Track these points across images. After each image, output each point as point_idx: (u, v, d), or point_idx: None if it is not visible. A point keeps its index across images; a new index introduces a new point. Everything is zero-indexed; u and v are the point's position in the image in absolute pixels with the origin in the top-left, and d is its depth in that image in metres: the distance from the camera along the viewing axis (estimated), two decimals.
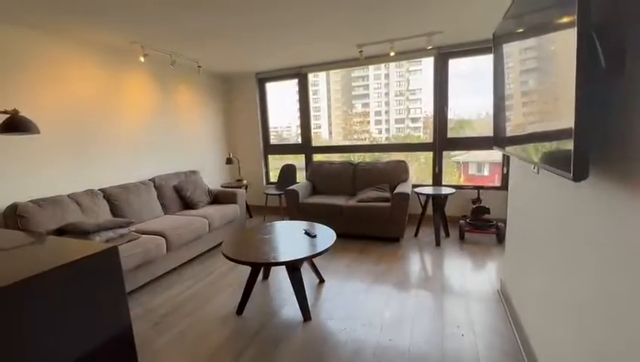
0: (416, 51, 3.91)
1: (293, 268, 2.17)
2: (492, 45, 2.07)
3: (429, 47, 3.45)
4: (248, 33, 3.05)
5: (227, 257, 2.10)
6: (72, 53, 2.93)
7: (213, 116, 4.83)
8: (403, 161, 4.05)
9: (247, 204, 4.91)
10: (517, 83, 1.66)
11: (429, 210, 3.91)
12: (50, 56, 2.76)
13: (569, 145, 0.87)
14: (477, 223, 3.49)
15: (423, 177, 5.16)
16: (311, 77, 4.84)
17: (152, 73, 3.73)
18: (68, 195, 2.77)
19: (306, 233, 2.50)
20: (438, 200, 3.48)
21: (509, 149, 1.74)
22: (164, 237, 2.83)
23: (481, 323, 2.07)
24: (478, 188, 3.77)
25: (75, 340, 0.67)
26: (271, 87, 5.08)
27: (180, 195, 3.75)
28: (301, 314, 2.18)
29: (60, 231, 2.49)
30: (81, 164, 3.04)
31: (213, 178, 4.79)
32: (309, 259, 2.08)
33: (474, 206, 3.60)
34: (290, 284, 2.22)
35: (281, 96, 5.04)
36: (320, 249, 2.16)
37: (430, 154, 4.22)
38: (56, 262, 0.63)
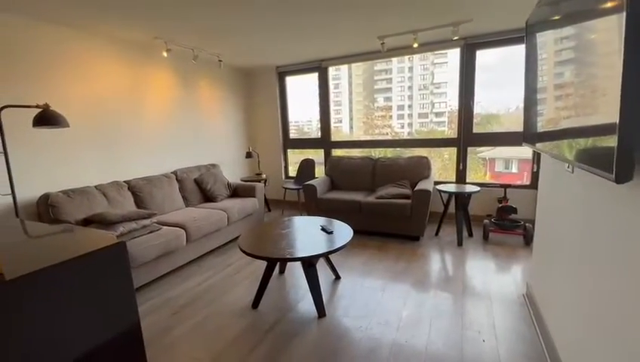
0: (441, 42, 3.75)
1: (309, 264, 2.16)
2: (524, 35, 1.92)
3: (455, 38, 3.29)
4: (269, 26, 3.03)
5: (243, 251, 2.11)
6: (100, 49, 3.03)
7: (234, 110, 4.88)
8: (425, 157, 3.92)
9: (265, 198, 4.95)
10: (551, 75, 1.54)
11: (452, 208, 3.78)
12: (79, 53, 2.86)
13: (610, 142, 0.78)
14: (503, 223, 3.33)
15: (446, 174, 4.99)
16: (332, 70, 4.78)
17: (174, 68, 3.81)
18: (95, 186, 2.88)
19: (323, 229, 2.47)
20: (462, 199, 3.34)
21: (540, 146, 1.62)
22: (184, 228, 2.89)
23: (504, 327, 1.97)
24: (505, 186, 3.59)
25: (79, 336, 0.67)
26: (291, 81, 5.06)
27: (200, 188, 3.83)
28: (316, 311, 2.17)
29: (87, 221, 2.60)
30: (108, 157, 3.15)
31: (232, 171, 4.86)
32: (325, 255, 2.06)
33: (500, 205, 3.44)
34: (306, 280, 2.21)
35: (303, 90, 5.01)
36: (336, 246, 2.13)
37: (454, 150, 4.05)
38: (60, 258, 0.63)
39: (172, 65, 3.77)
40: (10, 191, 2.32)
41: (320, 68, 4.63)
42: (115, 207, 2.89)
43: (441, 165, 5.06)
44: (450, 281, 2.58)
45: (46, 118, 2.39)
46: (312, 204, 3.87)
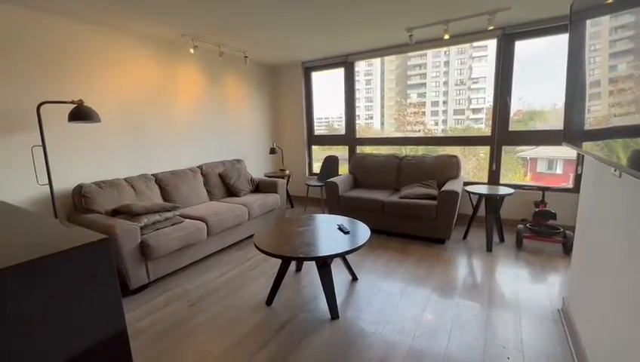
0: (474, 33, 3.50)
1: (322, 264, 2.10)
2: (569, 22, 1.71)
3: (491, 28, 3.04)
4: (294, 20, 2.98)
5: (258, 248, 2.10)
6: (131, 47, 3.15)
7: (259, 106, 4.92)
8: (455, 156, 3.70)
9: (288, 194, 4.96)
10: (603, 67, 1.34)
11: (482, 211, 3.55)
12: (111, 51, 3.00)
13: None
14: (539, 229, 3.06)
15: (481, 174, 4.71)
16: (364, 66, 4.63)
17: (201, 64, 3.89)
18: (125, 179, 3.02)
19: (340, 228, 2.40)
20: (493, 201, 3.11)
21: (585, 146, 1.43)
22: (205, 222, 2.95)
23: (533, 345, 1.79)
24: (543, 189, 3.30)
25: (52, 347, 0.62)
26: (317, 77, 4.99)
27: (224, 182, 3.90)
28: (329, 312, 2.11)
29: (116, 212, 2.73)
30: (137, 150, 3.29)
31: (256, 167, 4.91)
32: (339, 256, 1.99)
33: (537, 209, 3.16)
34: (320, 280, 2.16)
35: (332, 87, 4.91)
36: (351, 246, 2.05)
37: (488, 148, 3.78)
38: (27, 256, 0.60)
39: (199, 62, 3.86)
40: (47, 182, 2.48)
41: (346, 63, 4.52)
42: (142, 199, 3.01)
43: (476, 164, 4.77)
44: (475, 289, 2.41)
45: (80, 114, 2.52)
46: (333, 202, 3.80)
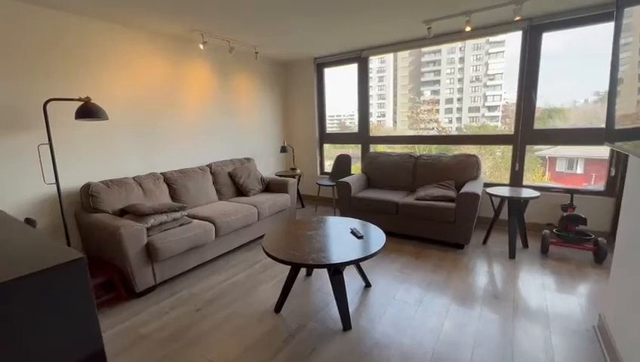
0: (498, 25, 3.29)
1: (335, 271, 1.97)
2: (615, 9, 1.52)
3: (517, 19, 2.83)
4: (306, 13, 2.85)
5: (266, 253, 1.99)
6: (139, 43, 3.08)
7: (270, 103, 4.81)
8: (474, 156, 3.50)
9: (299, 193, 4.85)
10: None
11: (504, 214, 3.35)
12: (119, 47, 2.93)
13: None
14: (567, 235, 2.85)
15: (498, 174, 4.49)
16: (377, 63, 4.49)
17: (210, 61, 3.80)
18: (133, 178, 2.96)
19: (353, 232, 2.26)
20: (516, 204, 2.91)
21: (632, 146, 1.25)
22: (213, 223, 2.87)
23: None
24: (572, 191, 3.07)
25: None
26: (330, 73, 4.85)
27: (234, 182, 3.81)
28: (341, 322, 1.98)
29: (123, 212, 2.67)
30: (146, 148, 3.23)
31: (267, 166, 4.81)
32: (351, 264, 1.86)
33: (564, 213, 2.94)
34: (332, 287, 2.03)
35: (345, 83, 4.76)
36: (365, 253, 1.92)
37: (509, 147, 3.57)
38: None
39: (209, 59, 3.77)
40: (54, 181, 2.43)
41: (360, 58, 4.36)
42: (151, 198, 2.95)
43: (493, 164, 4.55)
44: (499, 300, 2.24)
45: (87, 111, 2.46)
46: (345, 202, 3.67)
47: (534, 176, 4.26)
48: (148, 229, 2.47)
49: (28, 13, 2.38)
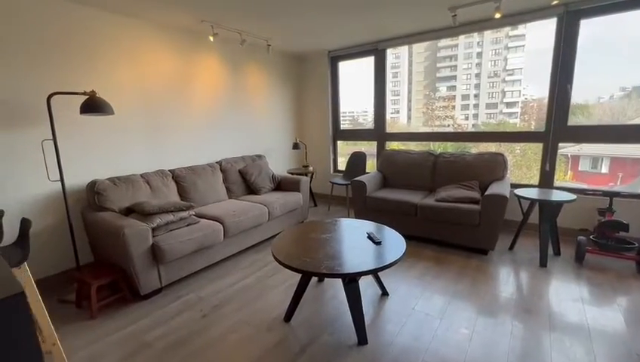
0: (531, 12, 3.01)
1: (350, 279, 1.80)
2: None
3: (555, 2, 2.56)
4: (320, 2, 2.66)
5: (276, 259, 1.84)
6: (147, 36, 2.97)
7: (282, 98, 4.65)
8: (500, 154, 3.25)
9: (312, 192, 4.69)
10: None
11: (532, 218, 3.10)
12: (126, 39, 2.83)
13: None
14: (606, 243, 2.58)
15: (519, 173, 4.23)
16: (391, 58, 4.28)
17: (221, 54, 3.67)
18: (141, 175, 2.86)
19: (369, 237, 2.08)
20: (549, 208, 2.66)
21: None
22: (221, 223, 2.74)
23: None
24: (611, 194, 2.79)
25: None
26: (345, 67, 4.65)
27: (244, 179, 3.68)
28: (355, 335, 1.82)
29: (129, 210, 2.57)
30: (154, 145, 3.13)
31: (279, 163, 4.67)
32: (368, 274, 1.68)
33: (603, 219, 2.67)
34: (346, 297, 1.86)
35: (358, 79, 4.56)
36: (383, 262, 1.74)
37: (533, 145, 3.30)
38: None
39: (219, 52, 3.64)
40: (59, 178, 2.35)
41: (377, 50, 4.15)
42: (158, 196, 2.85)
43: (513, 162, 4.29)
44: (531, 314, 2.02)
45: (92, 106, 2.36)
46: (360, 202, 3.48)
47: (557, 175, 3.98)
48: (154, 229, 2.36)
49: (31, 5, 2.28)
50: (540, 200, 2.62)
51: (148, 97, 3.03)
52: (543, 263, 2.64)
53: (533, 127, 3.24)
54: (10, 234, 2.10)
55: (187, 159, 3.43)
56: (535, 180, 3.37)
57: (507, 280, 2.44)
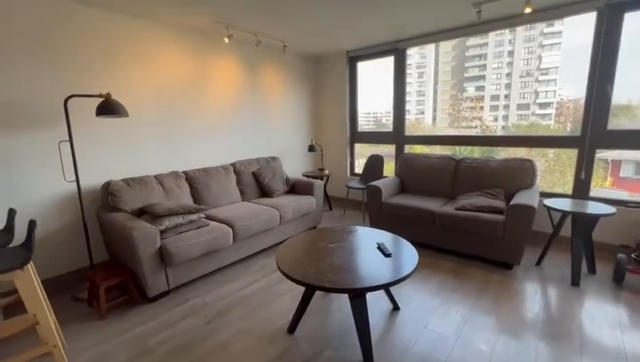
0: (566, 6, 2.76)
1: (355, 294, 1.69)
2: None
3: None
4: (338, 1, 2.57)
5: (280, 269, 1.76)
6: (161, 37, 3.00)
7: (298, 99, 4.59)
8: (529, 160, 3.01)
9: (327, 195, 4.61)
10: None
11: (564, 230, 2.85)
12: (141, 42, 2.86)
13: None
14: None
15: (551, 179, 3.92)
16: (417, 58, 4.13)
17: (236, 56, 3.66)
18: (154, 176, 2.89)
19: (379, 248, 1.96)
20: (583, 221, 2.41)
21: None
22: (231, 226, 2.71)
23: None
24: None
25: None
26: (364, 68, 4.52)
27: (258, 182, 3.65)
28: (361, 353, 1.70)
29: (142, 211, 2.59)
30: (169, 146, 3.16)
31: (294, 165, 4.61)
32: (374, 290, 1.57)
33: None
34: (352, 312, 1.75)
35: (381, 79, 4.41)
36: (391, 278, 1.61)
37: (569, 150, 3.03)
38: None
39: (234, 53, 3.63)
40: (74, 178, 2.40)
41: (397, 50, 3.99)
42: (171, 197, 2.86)
43: (545, 167, 3.98)
44: (560, 339, 1.82)
45: (107, 108, 2.39)
46: (375, 208, 3.35)
47: (595, 182, 3.64)
48: (162, 231, 2.36)
49: (49, 8, 2.35)
50: (572, 212, 2.38)
51: (162, 98, 3.06)
52: (575, 282, 2.39)
53: (568, 129, 2.98)
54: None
55: (201, 161, 3.44)
56: (569, 187, 3.09)
57: (533, 299, 2.23)
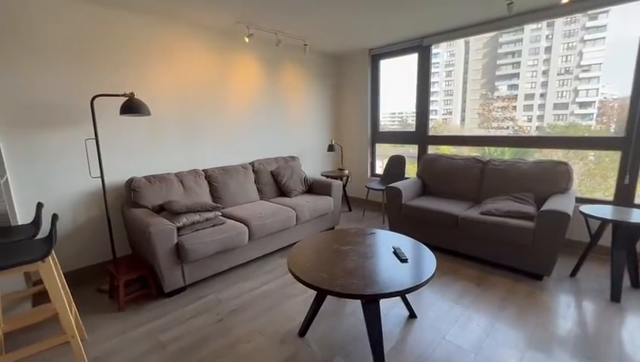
0: None
1: (369, 300, 1.62)
2: None
3: None
4: None
5: (291, 271, 1.72)
6: (183, 37, 3.05)
7: (319, 99, 4.55)
8: (564, 163, 2.79)
9: (347, 196, 4.54)
10: None
11: (604, 240, 2.62)
12: (163, 41, 2.92)
13: None
14: None
15: (590, 184, 3.62)
16: (446, 56, 3.96)
17: (256, 55, 3.67)
18: (175, 174, 2.96)
19: (395, 253, 1.87)
20: (626, 231, 2.18)
21: None
22: (247, 225, 2.71)
23: None
24: None
25: None
26: (387, 66, 4.40)
27: (276, 181, 3.65)
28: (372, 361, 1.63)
29: (161, 208, 2.66)
30: (189, 144, 3.22)
31: (313, 165, 4.57)
32: (387, 297, 1.49)
33: None
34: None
35: (405, 78, 4.25)
36: (406, 285, 1.53)
37: (612, 153, 2.77)
38: None
39: (254, 52, 3.64)
40: (100, 174, 2.49)
41: (421, 47, 3.85)
42: (191, 195, 2.92)
43: (585, 171, 3.68)
44: (596, 359, 1.64)
45: (131, 107, 2.46)
46: (395, 210, 3.24)
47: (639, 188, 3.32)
48: (180, 228, 2.40)
49: (76, 13, 2.45)
50: (613, 220, 2.16)
51: (183, 97, 3.12)
52: (616, 297, 2.17)
53: (612, 130, 2.74)
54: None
55: (221, 159, 3.49)
56: (611, 193, 2.83)
57: (566, 314, 2.05)
